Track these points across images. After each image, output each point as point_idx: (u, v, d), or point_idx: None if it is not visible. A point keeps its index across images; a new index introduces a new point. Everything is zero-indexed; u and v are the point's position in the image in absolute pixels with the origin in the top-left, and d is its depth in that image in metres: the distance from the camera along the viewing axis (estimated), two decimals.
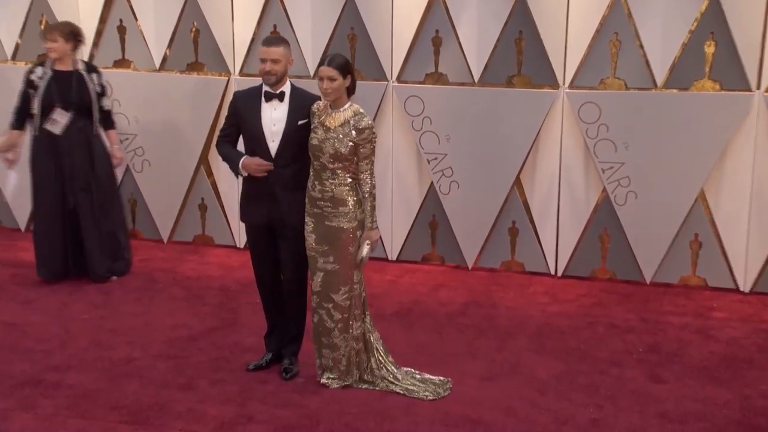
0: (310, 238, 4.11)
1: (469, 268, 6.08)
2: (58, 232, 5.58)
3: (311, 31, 6.06)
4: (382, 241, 6.16)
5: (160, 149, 6.45)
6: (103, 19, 6.44)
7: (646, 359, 4.58)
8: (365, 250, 4.05)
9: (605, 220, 5.81)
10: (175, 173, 6.46)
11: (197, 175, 6.50)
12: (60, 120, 5.43)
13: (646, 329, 5.01)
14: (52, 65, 5.48)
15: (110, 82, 6.35)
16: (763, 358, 4.60)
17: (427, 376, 4.26)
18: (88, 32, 6.41)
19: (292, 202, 4.12)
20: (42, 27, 6.35)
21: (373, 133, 4.02)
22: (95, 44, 6.48)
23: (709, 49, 5.42)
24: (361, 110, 4.04)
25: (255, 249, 4.29)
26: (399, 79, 5.97)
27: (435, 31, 5.88)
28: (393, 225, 6.19)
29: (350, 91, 4.04)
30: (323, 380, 4.21)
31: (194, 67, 6.36)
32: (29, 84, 5.46)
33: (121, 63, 6.49)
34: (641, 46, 5.53)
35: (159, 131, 6.42)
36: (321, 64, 3.98)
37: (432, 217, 6.16)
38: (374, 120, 5.71)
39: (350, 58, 5.90)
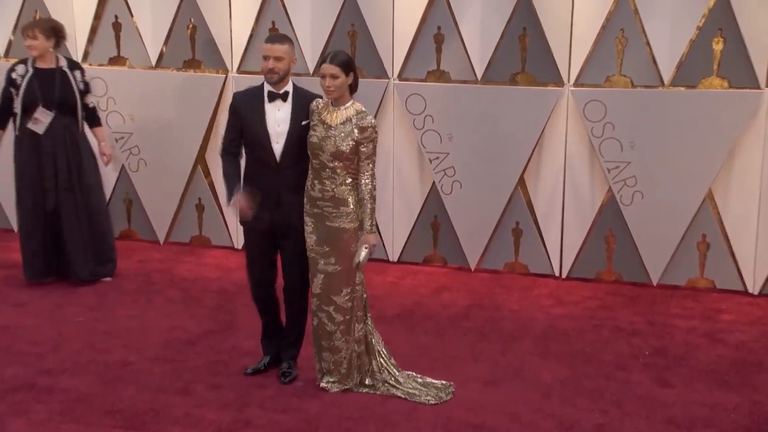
0: (311, 239, 4.10)
1: (472, 269, 6.07)
2: (40, 232, 5.55)
3: (311, 28, 6.05)
4: (383, 242, 6.16)
5: (156, 148, 6.44)
6: (98, 16, 6.43)
7: (652, 363, 4.57)
8: (362, 254, 4.03)
9: (611, 221, 5.80)
10: (171, 173, 6.46)
11: (194, 174, 6.49)
12: (42, 119, 5.41)
13: (653, 332, 5.00)
14: (33, 63, 5.45)
15: (105, 79, 6.38)
16: None
17: (429, 379, 4.25)
18: (83, 29, 6.43)
19: (296, 204, 4.10)
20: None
21: (375, 132, 4.01)
22: (90, 41, 6.47)
23: (717, 45, 5.41)
24: (364, 109, 4.03)
25: (254, 252, 4.23)
26: (400, 77, 5.96)
27: (437, 28, 5.87)
28: (394, 226, 6.18)
29: (353, 88, 4.03)
30: (323, 384, 4.20)
31: (191, 64, 6.35)
32: (10, 83, 5.42)
33: (117, 60, 6.48)
34: (648, 43, 5.53)
35: (155, 130, 6.41)
36: (323, 61, 3.97)
37: (434, 218, 6.15)
38: (375, 119, 5.69)
39: (351, 55, 5.89)
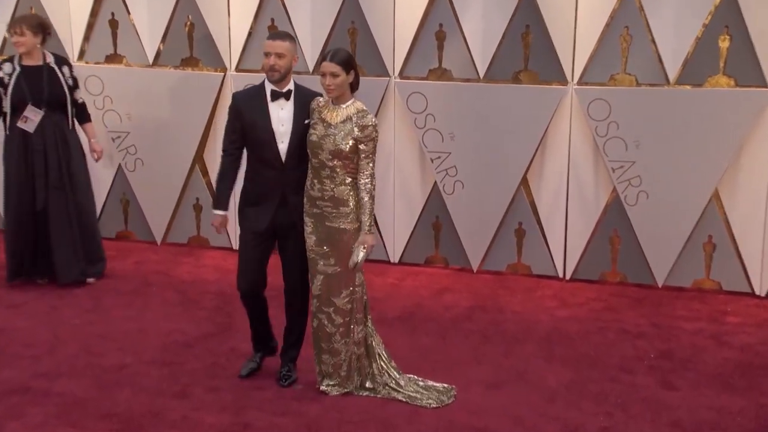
0: (310, 240, 4.10)
1: (474, 270, 6.07)
2: (24, 233, 5.52)
3: (310, 25, 6.05)
4: (383, 242, 6.16)
5: (154, 147, 6.44)
6: (94, 13, 6.43)
7: (658, 366, 4.57)
8: (359, 254, 4.02)
9: (615, 221, 5.80)
10: (169, 172, 6.46)
11: (192, 174, 6.49)
12: (33, 117, 5.40)
13: (658, 335, 4.99)
14: (20, 60, 5.44)
15: (101, 77, 6.38)
16: None
17: (430, 383, 4.25)
18: (79, 26, 6.43)
19: (300, 204, 4.10)
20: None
21: (376, 131, 4.01)
22: (86, 38, 6.47)
23: (724, 43, 5.41)
24: (364, 107, 4.03)
25: (248, 255, 4.19)
26: (401, 75, 5.96)
27: (439, 25, 5.87)
28: (395, 226, 6.18)
29: (354, 86, 4.03)
30: (323, 387, 4.20)
31: (189, 62, 6.36)
32: None
33: (113, 58, 6.48)
34: (653, 41, 5.52)
35: (152, 129, 6.41)
36: (323, 59, 3.97)
37: (435, 218, 6.15)
38: (375, 117, 5.69)
39: (351, 53, 5.89)
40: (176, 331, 4.95)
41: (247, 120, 4.07)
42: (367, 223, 4.03)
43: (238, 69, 6.22)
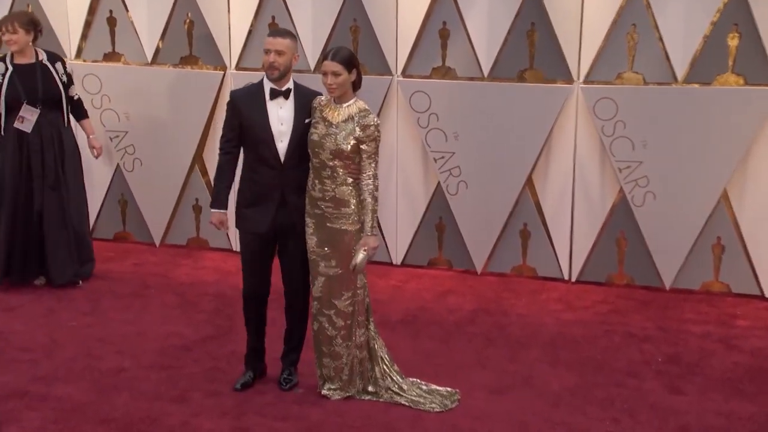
0: (311, 241, 4.10)
1: (478, 273, 6.07)
2: (21, 233, 5.51)
3: (312, 23, 6.05)
4: (386, 244, 6.16)
5: (152, 147, 6.45)
6: (92, 10, 6.44)
7: (665, 370, 4.57)
8: (360, 256, 4.02)
9: (622, 223, 5.80)
10: (167, 172, 6.47)
11: (191, 174, 6.50)
12: (29, 117, 5.39)
13: (666, 338, 4.99)
14: (12, 59, 5.43)
15: (99, 76, 6.39)
16: None
17: (433, 387, 4.25)
18: (77, 24, 6.44)
19: (300, 205, 4.10)
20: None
21: (378, 130, 4.01)
22: (84, 36, 6.48)
23: (733, 41, 5.41)
24: (366, 107, 4.04)
25: (251, 258, 4.18)
26: (404, 74, 5.96)
27: (442, 23, 5.87)
28: (398, 227, 6.18)
29: (356, 85, 4.03)
30: (324, 391, 4.20)
31: (188, 60, 6.36)
32: None
33: (111, 56, 6.49)
34: (660, 39, 5.52)
35: (151, 128, 6.42)
36: (324, 58, 3.97)
37: (439, 219, 6.15)
38: (378, 117, 5.70)
39: (353, 51, 5.90)
40: (175, 334, 4.95)
41: (245, 118, 4.07)
42: (369, 225, 4.03)
43: (238, 67, 6.23)
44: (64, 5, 6.39)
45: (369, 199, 4.01)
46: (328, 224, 4.05)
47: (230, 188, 4.18)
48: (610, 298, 5.63)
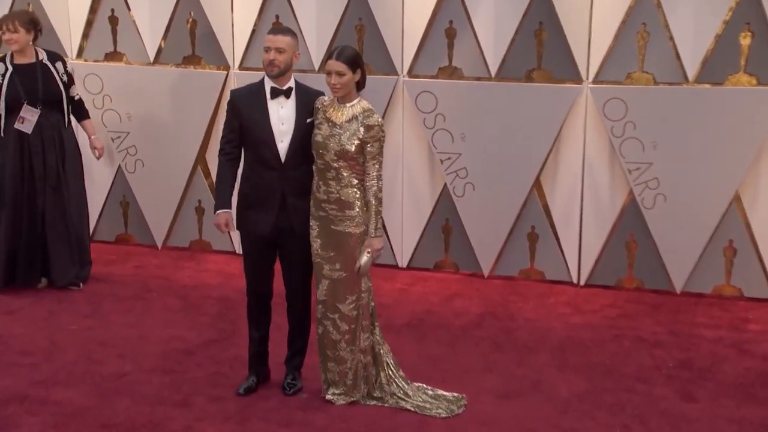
0: (315, 243, 4.10)
1: (485, 276, 6.07)
2: (23, 236, 5.53)
3: (316, 22, 6.06)
4: (391, 246, 6.16)
5: (154, 148, 6.46)
6: (93, 9, 6.45)
7: (676, 376, 4.55)
8: (364, 258, 4.02)
9: (632, 225, 5.79)
10: (170, 174, 6.48)
11: (194, 175, 6.51)
12: (30, 118, 5.40)
13: (677, 343, 4.98)
14: (12, 59, 5.44)
15: (101, 76, 6.40)
16: None
17: (440, 392, 4.25)
18: (78, 23, 6.45)
19: (301, 207, 4.10)
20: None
21: (382, 131, 4.01)
22: (85, 36, 6.50)
23: (745, 40, 5.40)
24: (370, 107, 4.04)
25: (254, 261, 4.20)
26: (410, 74, 5.96)
27: (449, 22, 5.87)
28: (404, 229, 6.18)
29: (360, 85, 4.03)
30: (328, 396, 4.20)
31: (191, 60, 6.37)
32: None
33: (113, 56, 6.50)
34: (671, 38, 5.51)
35: (153, 129, 6.43)
36: (329, 57, 3.97)
37: (445, 222, 6.15)
38: (383, 117, 5.71)
39: (358, 50, 5.90)
40: (177, 337, 4.96)
41: (245, 118, 4.07)
42: (374, 227, 4.03)
43: (241, 67, 6.23)
44: (65, 4, 6.41)
45: (373, 201, 4.01)
46: (332, 227, 4.05)
47: (233, 188, 4.17)
48: (619, 302, 5.62)
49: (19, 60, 5.45)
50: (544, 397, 4.28)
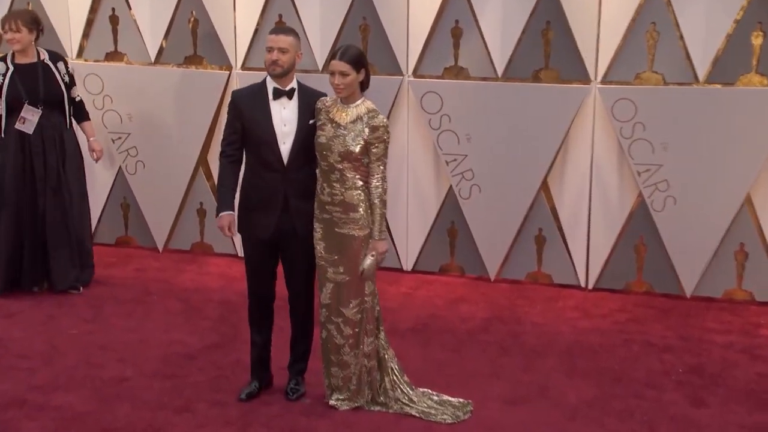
0: (319, 246, 4.10)
1: (492, 279, 6.07)
2: (23, 238, 5.53)
3: (320, 21, 6.07)
4: (396, 249, 6.16)
5: (156, 149, 6.47)
6: (93, 9, 6.47)
7: (686, 381, 4.55)
8: (367, 261, 4.03)
9: (641, 228, 5.78)
10: (171, 175, 6.48)
11: (195, 177, 6.52)
12: (31, 118, 5.41)
13: (687, 348, 4.97)
14: (13, 59, 5.45)
15: (101, 76, 6.42)
16: None
17: (445, 397, 4.24)
18: (78, 22, 6.46)
19: (303, 209, 4.10)
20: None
21: (387, 132, 4.01)
22: (85, 35, 6.51)
23: (757, 40, 5.39)
24: (375, 107, 4.04)
25: (255, 263, 4.20)
26: (415, 74, 5.97)
27: (455, 21, 5.88)
28: (408, 232, 6.18)
29: (364, 86, 4.03)
30: (332, 401, 4.20)
31: (192, 60, 6.38)
32: None
33: (114, 56, 6.52)
34: (681, 38, 5.51)
35: (154, 130, 6.44)
36: (332, 57, 3.98)
37: (451, 224, 6.15)
38: (388, 118, 5.71)
39: (362, 50, 5.91)
40: (178, 342, 4.96)
41: (247, 119, 4.07)
42: (378, 229, 4.03)
43: (243, 67, 6.24)
44: (65, 3, 6.42)
45: (378, 203, 4.01)
46: (336, 229, 4.05)
47: (235, 190, 4.17)
48: (628, 306, 5.61)
49: (21, 60, 5.46)
50: (552, 403, 4.28)
